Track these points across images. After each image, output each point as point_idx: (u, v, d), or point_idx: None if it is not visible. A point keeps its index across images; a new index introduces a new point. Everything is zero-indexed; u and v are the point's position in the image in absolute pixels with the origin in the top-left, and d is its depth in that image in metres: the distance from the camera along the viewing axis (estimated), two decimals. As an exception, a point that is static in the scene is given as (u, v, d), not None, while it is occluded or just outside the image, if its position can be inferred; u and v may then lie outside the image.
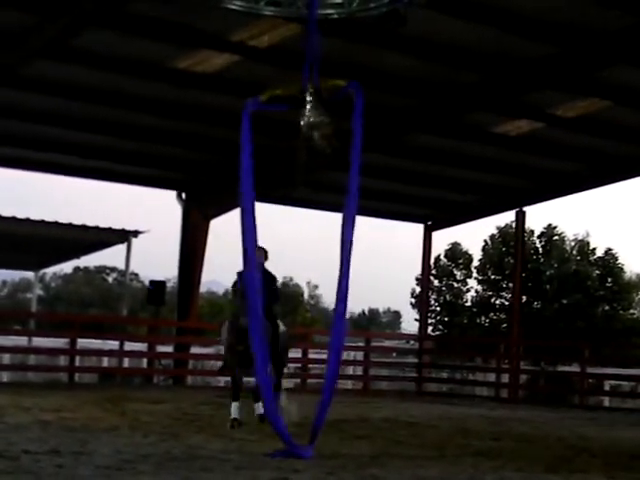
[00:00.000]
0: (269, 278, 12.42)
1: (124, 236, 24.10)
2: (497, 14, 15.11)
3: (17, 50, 15.92)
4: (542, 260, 49.59)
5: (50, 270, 65.08)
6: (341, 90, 10.28)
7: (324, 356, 26.35)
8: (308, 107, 10.10)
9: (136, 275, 62.41)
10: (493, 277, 50.40)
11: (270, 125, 16.98)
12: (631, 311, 50.31)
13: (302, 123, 10.13)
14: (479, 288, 51.51)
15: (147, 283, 26.21)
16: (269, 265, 12.82)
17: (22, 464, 7.96)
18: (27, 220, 22.18)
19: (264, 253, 12.55)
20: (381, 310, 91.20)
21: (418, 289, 42.99)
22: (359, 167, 9.98)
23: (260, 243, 10.43)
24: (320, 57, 10.21)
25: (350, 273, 9.89)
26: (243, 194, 10.05)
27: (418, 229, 26.38)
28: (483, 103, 18.75)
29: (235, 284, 12.56)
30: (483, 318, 50.75)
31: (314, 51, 10.24)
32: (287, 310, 57.68)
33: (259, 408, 11.73)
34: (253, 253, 10.03)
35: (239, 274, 11.88)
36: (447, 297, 51.72)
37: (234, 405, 12.10)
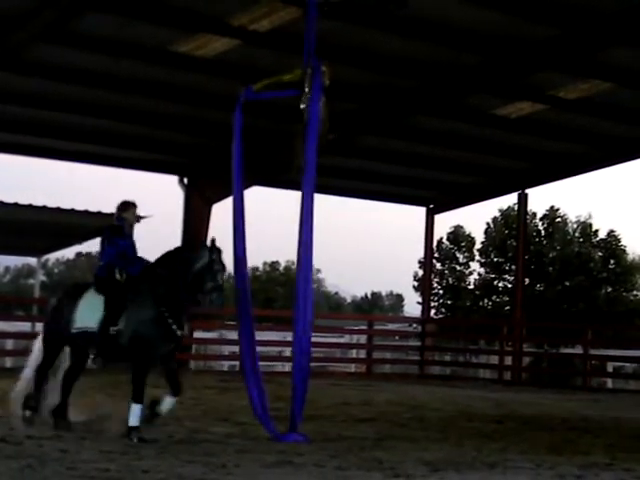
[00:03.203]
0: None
1: (126, 221, 24.04)
2: (499, -4, 15.06)
3: (18, 34, 15.86)
4: (545, 242, 49.60)
5: (53, 256, 65.21)
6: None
7: (327, 339, 26.51)
8: (307, 90, 10.06)
9: (138, 260, 62.38)
10: (496, 260, 50.42)
11: (273, 109, 16.95)
12: (634, 293, 50.33)
13: (302, 107, 10.10)
14: (482, 271, 51.59)
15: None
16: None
17: (26, 449, 7.98)
18: (29, 206, 22.12)
19: (134, 213, 10.19)
20: (384, 293, 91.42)
21: (421, 272, 43.02)
22: (315, 146, 9.84)
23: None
24: (317, 41, 10.13)
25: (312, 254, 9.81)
26: (234, 187, 10.10)
27: (420, 212, 26.36)
28: (485, 85, 18.68)
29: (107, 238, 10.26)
30: (486, 301, 50.80)
31: (313, 35, 10.18)
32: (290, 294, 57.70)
33: (135, 414, 8.89)
34: (243, 252, 10.05)
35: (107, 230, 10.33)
36: (450, 280, 51.76)
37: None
